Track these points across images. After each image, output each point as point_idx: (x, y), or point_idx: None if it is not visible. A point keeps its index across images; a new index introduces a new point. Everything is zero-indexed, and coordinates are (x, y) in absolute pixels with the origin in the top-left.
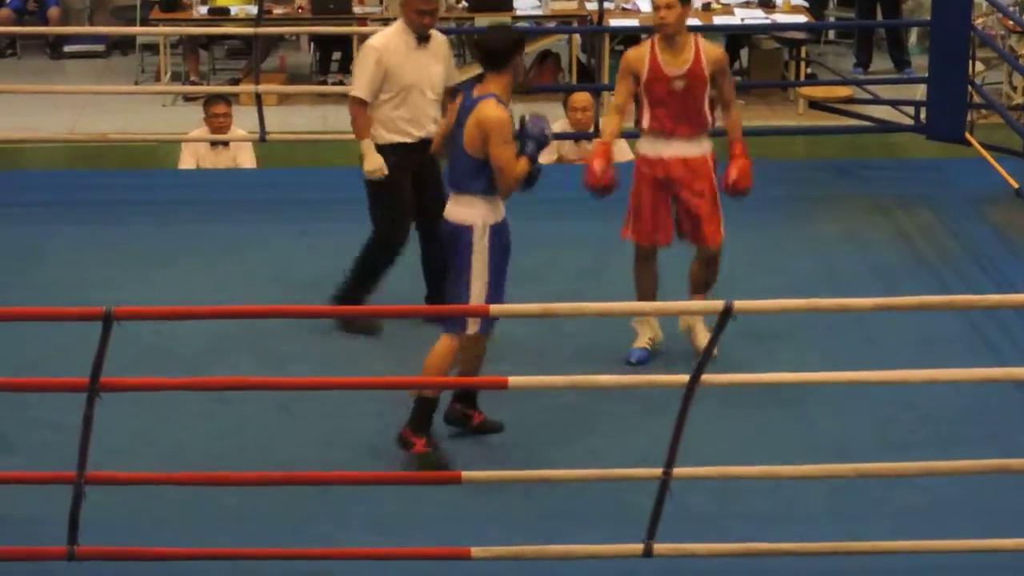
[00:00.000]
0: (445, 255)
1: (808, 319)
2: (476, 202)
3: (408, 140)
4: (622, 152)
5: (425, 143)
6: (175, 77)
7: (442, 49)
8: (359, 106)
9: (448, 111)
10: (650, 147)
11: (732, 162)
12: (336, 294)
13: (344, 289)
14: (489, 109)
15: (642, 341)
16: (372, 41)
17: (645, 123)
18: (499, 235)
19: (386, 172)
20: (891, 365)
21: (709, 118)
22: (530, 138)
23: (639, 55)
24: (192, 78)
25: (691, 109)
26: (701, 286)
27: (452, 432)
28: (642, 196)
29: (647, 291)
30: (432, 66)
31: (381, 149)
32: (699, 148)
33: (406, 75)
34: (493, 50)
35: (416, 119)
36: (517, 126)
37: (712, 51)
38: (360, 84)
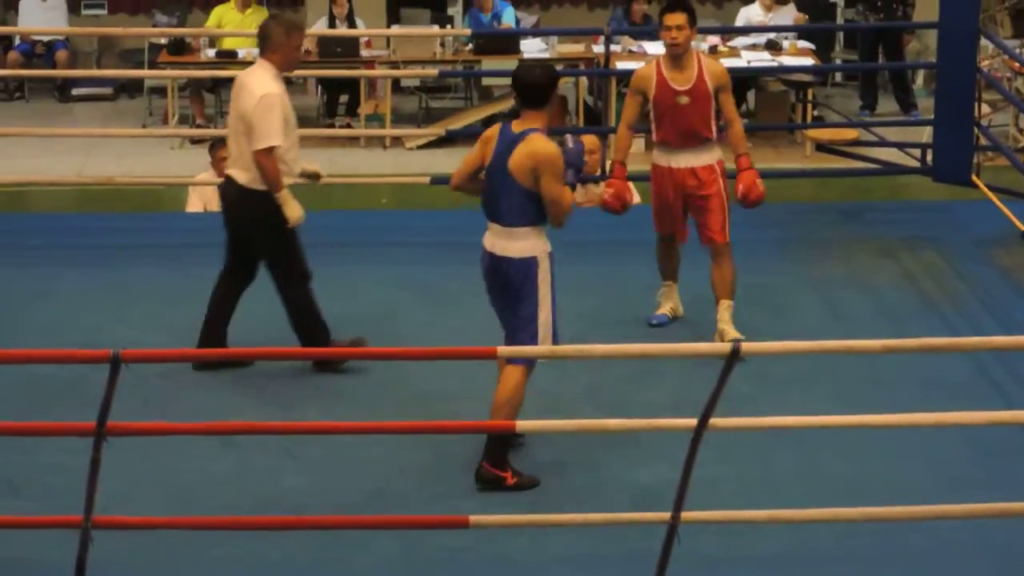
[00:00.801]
0: (497, 289)
1: (815, 361)
2: (531, 234)
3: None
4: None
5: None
6: (183, 120)
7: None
8: (272, 155)
9: (477, 148)
10: (662, 158)
11: (739, 176)
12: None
13: (305, 337)
14: (541, 144)
15: (664, 309)
16: (268, 88)
17: (655, 136)
18: (553, 263)
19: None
20: (899, 408)
21: (714, 130)
22: (569, 166)
23: (647, 73)
24: (198, 121)
25: (697, 122)
26: (724, 291)
27: (465, 478)
28: (658, 199)
29: (667, 269)
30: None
31: (267, 193)
32: (707, 157)
33: (292, 118)
34: (532, 86)
35: (294, 163)
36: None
37: (714, 67)
38: (274, 132)
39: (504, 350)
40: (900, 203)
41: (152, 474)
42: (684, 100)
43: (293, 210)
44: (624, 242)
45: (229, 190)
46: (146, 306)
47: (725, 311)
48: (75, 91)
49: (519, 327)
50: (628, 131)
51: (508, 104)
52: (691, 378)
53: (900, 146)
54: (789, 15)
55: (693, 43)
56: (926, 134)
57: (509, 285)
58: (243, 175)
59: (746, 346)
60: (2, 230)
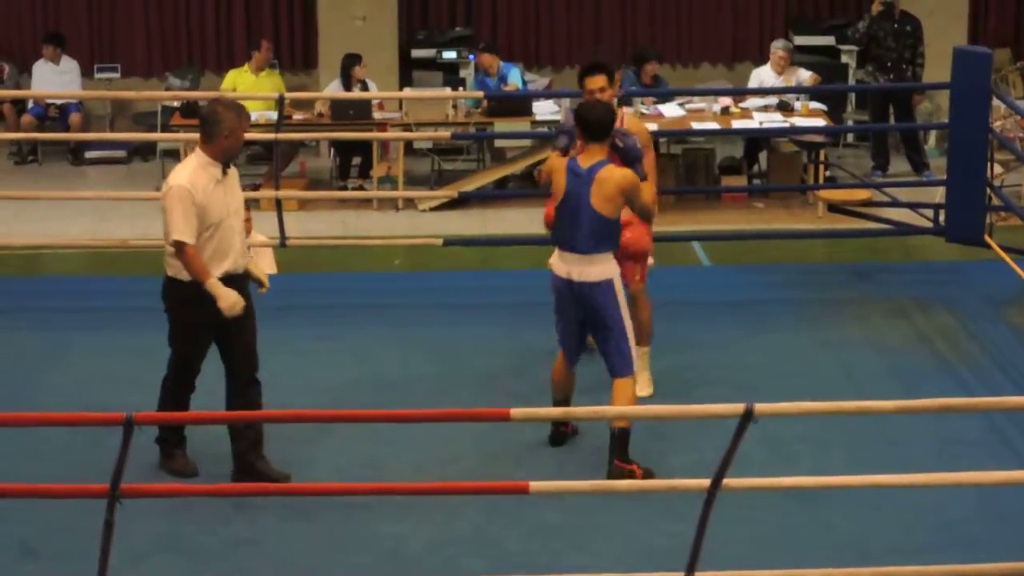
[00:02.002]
0: (579, 313)
1: (829, 422)
2: (607, 258)
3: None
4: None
5: (232, 278)
6: None
7: (235, 175)
8: (185, 248)
9: (550, 178)
10: None
11: (626, 228)
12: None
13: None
14: (619, 173)
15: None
16: (180, 179)
17: None
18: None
19: (243, 303)
20: (913, 468)
21: None
22: (562, 133)
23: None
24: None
25: None
26: (637, 337)
27: (478, 541)
28: None
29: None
30: (235, 194)
31: (189, 286)
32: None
33: (214, 211)
34: (596, 122)
35: (224, 252)
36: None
37: (636, 126)
38: (177, 227)
39: (517, 412)
40: (913, 263)
41: (166, 536)
42: None
43: (227, 298)
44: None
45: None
46: (159, 368)
47: (641, 359)
48: (88, 154)
49: (614, 349)
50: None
51: (521, 166)
52: (704, 439)
53: (912, 206)
54: (801, 77)
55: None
56: (938, 194)
57: (595, 308)
58: (169, 267)
59: (760, 407)
60: (17, 293)
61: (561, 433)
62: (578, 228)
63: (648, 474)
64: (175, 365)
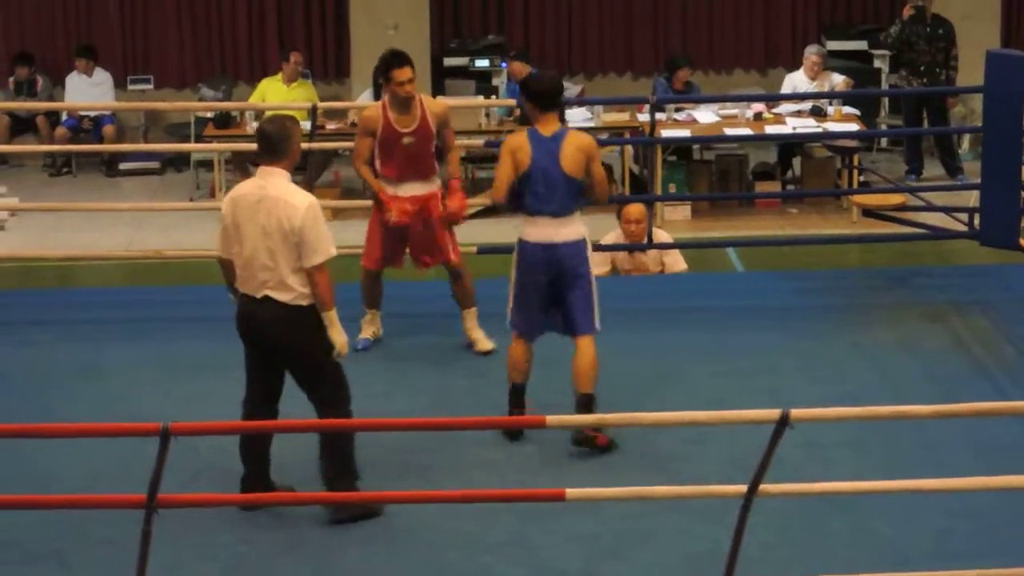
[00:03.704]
0: (553, 276)
1: (865, 427)
2: (578, 218)
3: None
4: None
5: None
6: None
7: None
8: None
9: (508, 160)
10: (389, 189)
11: (452, 196)
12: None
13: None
14: (582, 137)
15: (366, 333)
16: (310, 197)
17: (382, 170)
18: None
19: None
20: (950, 472)
21: (436, 165)
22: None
23: (375, 115)
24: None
25: (420, 158)
26: (467, 302)
27: (514, 548)
28: (382, 230)
29: (374, 297)
30: None
31: (315, 310)
32: (429, 188)
33: None
34: (549, 91)
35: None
36: None
37: (435, 106)
38: (329, 242)
39: (553, 419)
40: (948, 268)
41: (204, 546)
42: (408, 140)
43: (341, 335)
44: (670, 310)
45: (263, 312)
46: (195, 379)
47: (471, 319)
48: (122, 165)
49: (584, 304)
50: (366, 166)
51: None
52: (741, 444)
53: (947, 210)
54: (835, 81)
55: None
56: (973, 198)
57: (567, 267)
58: (285, 295)
59: (796, 412)
60: (52, 305)
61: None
62: (552, 192)
63: (612, 444)
64: (335, 397)
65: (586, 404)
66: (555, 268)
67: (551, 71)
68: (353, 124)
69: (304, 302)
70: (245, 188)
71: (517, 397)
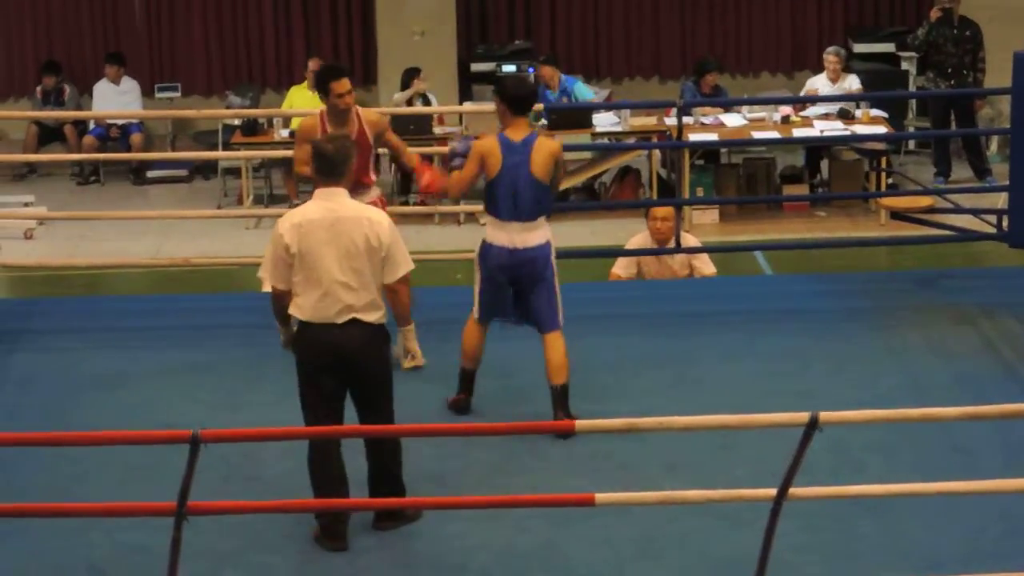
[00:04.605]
0: (517, 280)
1: (895, 429)
2: (544, 222)
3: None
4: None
5: None
6: (257, 200)
7: None
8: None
9: (474, 163)
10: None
11: (424, 170)
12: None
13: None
14: (551, 143)
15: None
16: (384, 213)
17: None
18: None
19: None
20: (980, 475)
21: (374, 175)
22: (457, 156)
23: (313, 124)
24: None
25: (360, 168)
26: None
27: (544, 554)
28: None
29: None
30: None
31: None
32: (366, 198)
33: None
34: (526, 96)
35: None
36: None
37: (371, 116)
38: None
39: (582, 424)
40: (977, 270)
41: (234, 553)
42: None
43: (417, 346)
44: (698, 313)
45: (352, 337)
46: (224, 386)
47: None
48: (150, 174)
49: (547, 304)
50: (293, 179)
51: (582, 178)
52: (770, 448)
53: (975, 212)
54: (853, 84)
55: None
56: (1001, 200)
57: (533, 271)
58: (373, 315)
59: (825, 415)
60: (80, 313)
61: (464, 400)
62: (521, 197)
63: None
64: (392, 414)
65: (563, 394)
66: (519, 271)
67: (525, 73)
68: None
69: (384, 320)
70: (311, 213)
71: (467, 383)
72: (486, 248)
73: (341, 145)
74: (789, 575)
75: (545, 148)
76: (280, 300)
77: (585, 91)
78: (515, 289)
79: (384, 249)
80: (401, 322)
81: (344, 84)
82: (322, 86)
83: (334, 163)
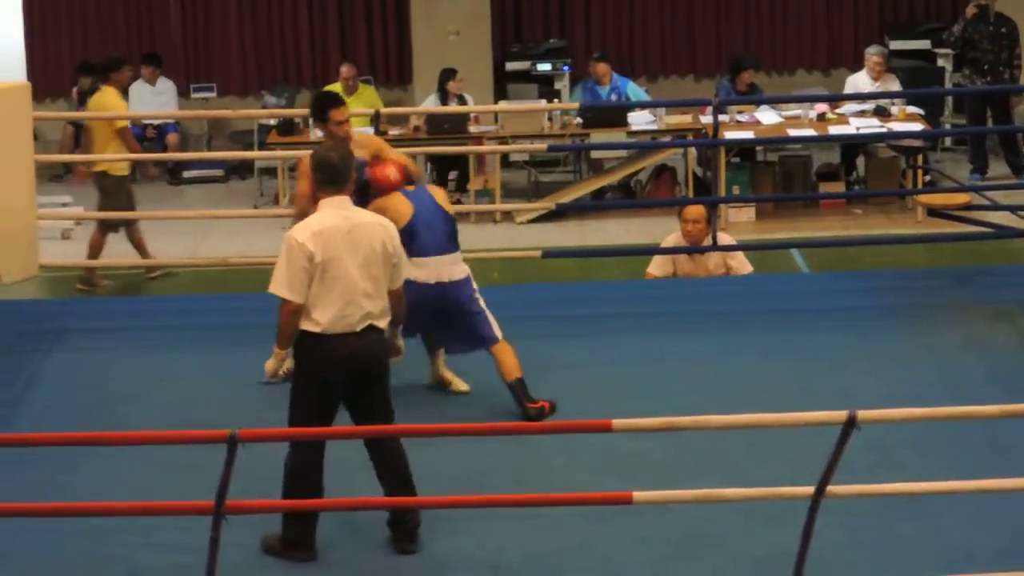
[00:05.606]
0: (445, 311)
1: (933, 427)
2: (459, 256)
3: None
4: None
5: None
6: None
7: None
8: None
9: (399, 217)
10: None
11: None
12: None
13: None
14: (435, 188)
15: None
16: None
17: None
18: None
19: None
20: (1018, 472)
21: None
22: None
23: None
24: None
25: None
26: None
27: (581, 552)
28: None
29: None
30: None
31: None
32: None
33: None
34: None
35: None
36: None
37: (364, 140)
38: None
39: (619, 423)
40: (1014, 267)
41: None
42: None
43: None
44: (735, 312)
45: (370, 344)
46: (261, 385)
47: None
48: (186, 174)
49: (478, 323)
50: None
51: (618, 176)
52: (807, 446)
53: (1012, 209)
54: (892, 86)
55: None
56: None
57: (460, 300)
58: (384, 320)
59: (863, 414)
60: (119, 313)
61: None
62: (439, 233)
63: (553, 407)
64: (393, 415)
65: (520, 386)
66: (443, 304)
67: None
68: (416, 129)
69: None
70: (328, 221)
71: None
72: (407, 285)
73: (345, 153)
74: (828, 573)
75: (438, 192)
76: (296, 316)
77: (639, 92)
78: (441, 317)
79: (396, 255)
80: (396, 322)
81: (343, 112)
82: (320, 113)
83: (339, 172)
